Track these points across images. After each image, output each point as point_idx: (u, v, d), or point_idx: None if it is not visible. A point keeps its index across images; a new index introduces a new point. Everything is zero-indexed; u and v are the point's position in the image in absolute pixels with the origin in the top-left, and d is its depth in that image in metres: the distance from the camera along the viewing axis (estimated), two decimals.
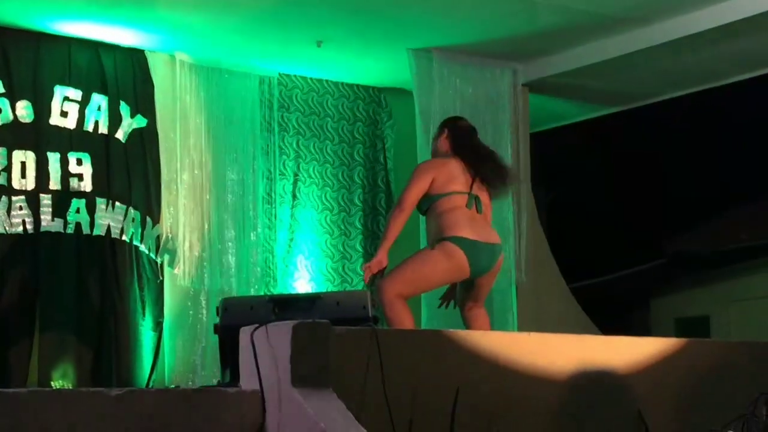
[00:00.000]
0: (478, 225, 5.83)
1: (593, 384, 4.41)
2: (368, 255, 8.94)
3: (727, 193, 10.86)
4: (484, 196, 5.95)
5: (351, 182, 9.23)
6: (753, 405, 3.92)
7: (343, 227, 9.13)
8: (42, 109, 7.86)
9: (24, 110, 7.81)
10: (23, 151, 7.76)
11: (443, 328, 6.32)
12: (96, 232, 7.90)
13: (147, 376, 7.97)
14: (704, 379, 4.79)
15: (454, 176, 5.86)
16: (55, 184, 7.84)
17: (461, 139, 6.04)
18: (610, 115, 10.12)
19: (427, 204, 5.85)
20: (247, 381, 3.87)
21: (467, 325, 5.99)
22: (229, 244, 8.43)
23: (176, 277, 8.23)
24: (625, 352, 4.65)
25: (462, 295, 6.04)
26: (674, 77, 9.10)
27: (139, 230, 8.08)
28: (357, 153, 9.29)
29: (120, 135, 8.13)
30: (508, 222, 8.80)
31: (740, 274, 10.99)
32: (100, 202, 7.95)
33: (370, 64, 8.86)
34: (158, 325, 8.09)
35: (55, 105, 7.92)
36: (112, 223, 7.96)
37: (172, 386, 7.82)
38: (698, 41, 8.11)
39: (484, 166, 5.97)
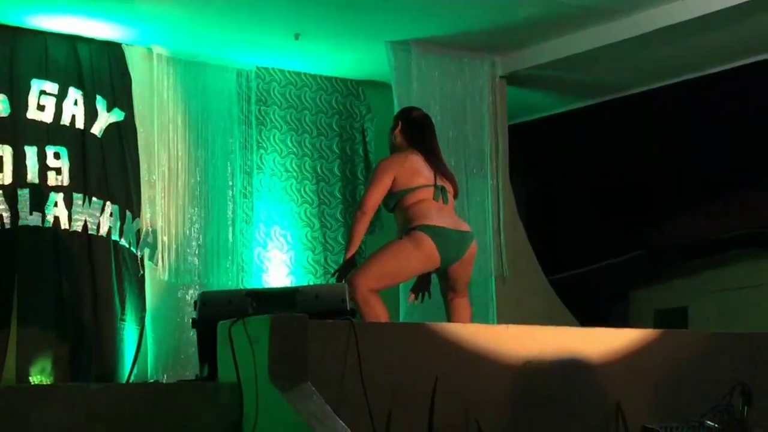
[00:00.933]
0: (446, 214, 5.85)
1: (571, 375, 4.43)
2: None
3: (706, 185, 10.89)
4: (449, 187, 5.98)
5: (331, 175, 9.22)
6: (729, 395, 3.95)
7: (323, 220, 9.13)
8: (19, 102, 7.83)
9: (0, 104, 7.77)
10: (0, 145, 7.73)
11: (423, 320, 6.35)
12: (73, 227, 7.88)
13: (128, 370, 7.95)
14: (682, 370, 4.81)
15: (416, 170, 5.86)
16: (32, 177, 7.80)
17: (416, 134, 6.02)
18: (588, 107, 10.14)
19: (394, 201, 5.85)
20: (225, 375, 3.87)
21: (448, 316, 6.00)
22: (208, 237, 8.42)
23: (157, 271, 8.21)
24: (603, 343, 4.67)
25: (442, 285, 6.05)
26: (652, 68, 9.13)
27: (118, 224, 8.06)
28: (336, 146, 9.28)
29: (96, 130, 8.09)
30: (486, 214, 8.83)
31: (719, 266, 11.02)
32: (77, 197, 7.92)
33: (348, 57, 8.85)
34: (140, 320, 8.07)
35: (32, 99, 7.89)
36: (88, 219, 7.94)
37: (152, 380, 7.81)
38: (675, 33, 8.13)
39: (438, 163, 6.00)
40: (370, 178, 5.92)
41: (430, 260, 5.77)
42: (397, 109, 8.56)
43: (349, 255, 5.78)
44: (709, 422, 3.94)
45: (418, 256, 5.73)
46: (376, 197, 5.81)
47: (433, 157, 5.99)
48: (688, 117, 10.49)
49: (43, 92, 7.92)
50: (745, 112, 10.14)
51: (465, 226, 5.95)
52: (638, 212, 11.20)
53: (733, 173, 10.57)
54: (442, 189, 5.91)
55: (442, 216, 5.82)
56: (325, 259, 9.06)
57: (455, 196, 6.07)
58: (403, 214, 5.84)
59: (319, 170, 9.16)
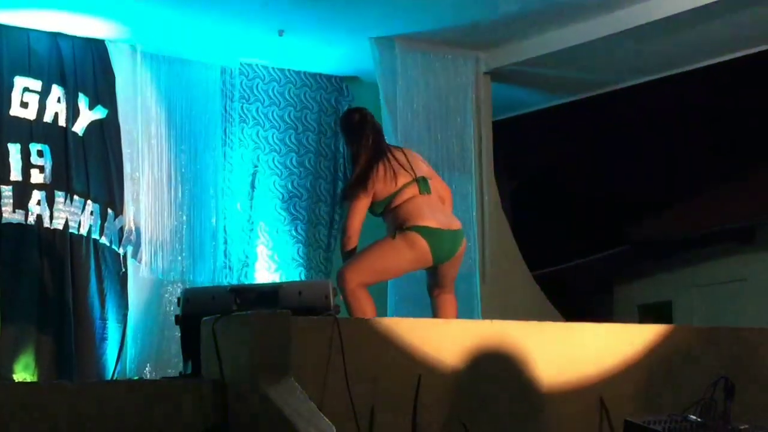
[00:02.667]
0: (437, 211, 5.86)
1: (555, 370, 4.44)
2: (333, 243, 8.96)
3: (691, 179, 10.93)
4: (424, 173, 5.97)
5: (315, 171, 9.21)
6: (712, 389, 3.96)
7: (308, 216, 9.12)
8: (1, 99, 7.80)
9: None
10: None
11: (410, 315, 6.36)
12: (55, 225, 7.85)
13: (112, 368, 7.93)
14: (666, 364, 4.83)
15: (392, 175, 5.83)
16: (16, 175, 7.77)
17: (374, 145, 5.93)
18: (572, 103, 10.15)
19: (381, 207, 5.85)
20: (209, 371, 3.86)
21: (434, 311, 6.00)
22: (191, 234, 8.41)
23: (140, 269, 8.19)
24: (587, 338, 4.68)
25: (429, 280, 6.05)
26: (635, 64, 9.14)
27: (99, 222, 8.03)
28: (321, 142, 9.27)
29: (78, 128, 8.07)
30: (471, 211, 8.83)
31: (703, 260, 11.07)
32: (59, 196, 7.90)
33: (332, 53, 8.84)
34: (123, 317, 8.06)
35: (15, 96, 7.86)
36: (69, 217, 7.91)
37: (136, 378, 7.79)
38: (658, 28, 8.15)
39: (397, 153, 5.96)
40: (349, 205, 5.86)
41: (422, 260, 5.79)
42: (382, 105, 8.60)
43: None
44: (691, 416, 3.95)
45: (411, 256, 5.74)
46: (357, 222, 5.80)
47: (389, 151, 5.95)
48: (672, 112, 10.51)
49: (26, 89, 7.89)
50: (728, 107, 10.18)
51: (456, 224, 5.94)
52: (622, 207, 11.23)
53: (718, 167, 10.61)
54: (423, 179, 5.91)
55: (434, 213, 5.82)
56: (307, 256, 9.05)
57: (432, 173, 6.08)
58: (393, 215, 5.83)
59: (306, 165, 9.15)
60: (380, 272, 5.84)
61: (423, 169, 6.02)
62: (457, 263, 6.00)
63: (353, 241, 5.79)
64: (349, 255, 5.77)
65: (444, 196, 6.10)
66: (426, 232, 5.72)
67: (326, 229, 9.16)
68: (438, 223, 5.79)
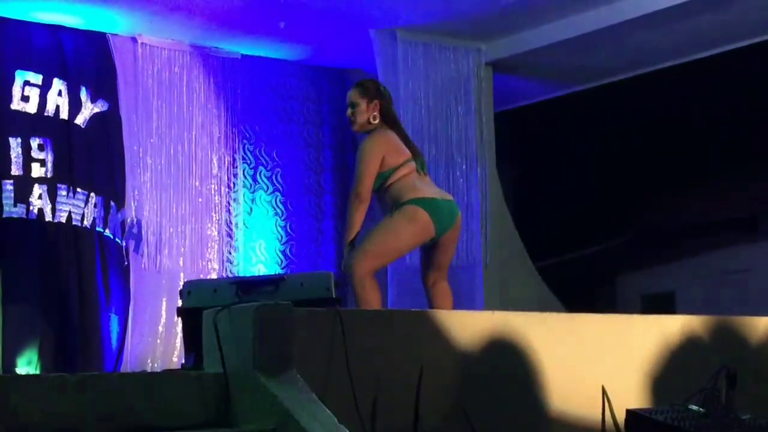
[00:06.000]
0: (431, 185, 5.94)
1: (557, 361, 4.43)
2: (339, 236, 8.95)
3: (695, 169, 10.90)
4: (421, 157, 6.03)
5: (318, 164, 9.21)
6: (714, 378, 3.95)
7: (311, 210, 9.12)
8: (2, 93, 7.80)
9: None
10: None
11: (411, 307, 6.35)
12: (57, 218, 7.85)
13: (114, 361, 7.94)
14: (668, 355, 4.82)
15: (398, 148, 5.87)
16: (17, 169, 7.77)
17: (391, 110, 6.02)
18: (574, 93, 10.13)
19: (380, 181, 5.84)
20: (211, 364, 3.86)
21: (430, 302, 5.99)
22: (193, 227, 8.41)
23: (142, 261, 8.20)
24: (589, 329, 4.67)
25: (425, 264, 6.03)
26: (638, 55, 9.13)
27: (102, 215, 8.03)
28: (323, 134, 9.26)
29: (80, 121, 8.07)
30: (473, 202, 8.83)
31: (706, 251, 11.06)
32: (62, 189, 7.90)
33: (333, 45, 8.83)
34: (125, 310, 8.06)
35: (16, 90, 7.85)
36: (73, 210, 7.92)
37: (138, 370, 7.80)
38: (662, 18, 8.13)
39: (406, 134, 6.04)
40: (360, 165, 5.84)
41: (426, 231, 5.78)
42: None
43: (348, 241, 5.78)
44: (693, 406, 3.94)
45: (413, 229, 5.74)
46: (370, 183, 5.79)
47: (401, 129, 6.04)
48: (676, 101, 10.48)
49: (27, 83, 7.89)
50: (731, 97, 10.15)
51: (448, 195, 6.02)
52: (625, 198, 11.21)
53: (721, 158, 10.58)
54: (420, 160, 5.95)
55: (428, 186, 5.87)
56: (309, 250, 9.04)
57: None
58: (388, 192, 5.84)
59: (306, 159, 9.15)
60: (387, 252, 5.81)
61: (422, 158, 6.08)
62: (455, 238, 5.96)
63: (365, 204, 5.78)
64: (357, 219, 5.74)
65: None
66: (423, 202, 5.75)
67: (332, 221, 9.16)
68: (431, 193, 5.84)
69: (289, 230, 8.99)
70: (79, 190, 7.96)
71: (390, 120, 5.98)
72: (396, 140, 5.90)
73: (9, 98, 7.82)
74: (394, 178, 5.83)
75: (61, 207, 7.88)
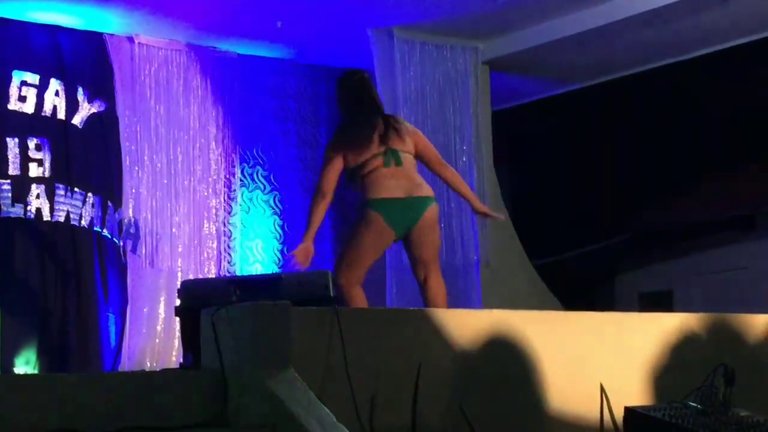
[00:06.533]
0: (399, 181, 5.82)
1: (556, 359, 4.43)
2: (336, 236, 8.95)
3: (692, 168, 10.90)
4: (403, 146, 5.91)
5: (315, 164, 9.21)
6: (711, 375, 3.96)
7: (307, 209, 9.10)
8: (0, 94, 7.79)
9: None
10: None
11: (410, 306, 6.35)
12: (56, 218, 7.85)
13: (112, 360, 7.94)
14: (667, 352, 4.82)
15: (362, 143, 5.82)
16: (14, 169, 7.77)
17: (359, 96, 5.99)
18: (571, 92, 10.14)
19: (350, 176, 5.86)
20: (209, 363, 3.86)
21: (423, 298, 5.98)
22: (191, 227, 8.40)
23: (139, 261, 8.19)
24: (588, 327, 4.67)
25: (410, 261, 6.02)
26: (636, 52, 9.13)
27: (100, 215, 8.03)
28: (321, 134, 9.26)
29: (77, 120, 8.07)
30: None
31: (704, 249, 11.05)
32: (59, 188, 7.90)
33: (330, 44, 8.83)
34: (123, 309, 8.06)
35: (14, 90, 7.85)
36: (71, 210, 7.92)
37: (136, 370, 7.80)
38: (660, 16, 8.14)
39: (386, 122, 5.94)
40: (323, 162, 5.94)
41: (383, 233, 5.78)
42: (381, 96, 8.56)
43: (308, 239, 5.81)
44: (691, 403, 3.94)
45: (370, 234, 5.77)
46: (331, 179, 5.82)
47: (377, 117, 5.94)
48: (674, 99, 10.49)
49: (24, 83, 7.89)
50: (730, 94, 10.16)
51: (421, 191, 5.87)
52: (623, 196, 11.21)
53: (719, 156, 10.58)
54: (393, 152, 5.86)
55: (395, 182, 5.79)
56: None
57: (421, 148, 6.03)
58: (358, 187, 5.87)
59: (304, 159, 9.15)
60: (355, 262, 5.81)
61: (408, 149, 5.96)
62: (429, 231, 5.89)
63: (326, 200, 5.84)
64: (315, 214, 5.80)
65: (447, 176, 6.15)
66: (377, 204, 5.74)
67: (329, 221, 9.16)
68: (392, 192, 5.76)
69: (286, 229, 8.99)
70: (76, 189, 7.96)
71: (362, 107, 5.92)
72: (359, 137, 5.84)
73: (6, 98, 7.81)
74: (362, 172, 5.82)
75: (59, 207, 7.88)
